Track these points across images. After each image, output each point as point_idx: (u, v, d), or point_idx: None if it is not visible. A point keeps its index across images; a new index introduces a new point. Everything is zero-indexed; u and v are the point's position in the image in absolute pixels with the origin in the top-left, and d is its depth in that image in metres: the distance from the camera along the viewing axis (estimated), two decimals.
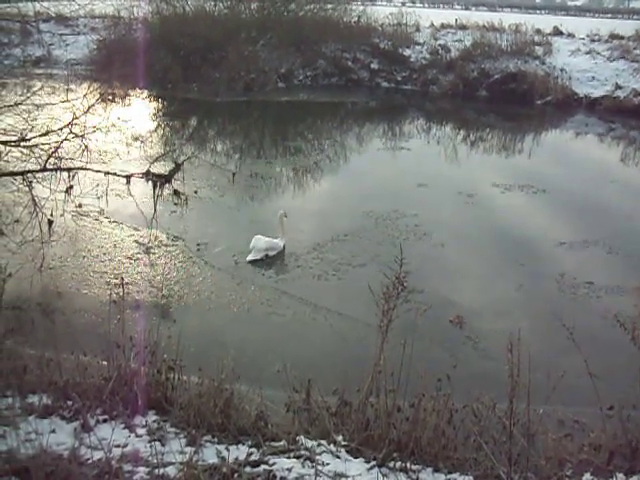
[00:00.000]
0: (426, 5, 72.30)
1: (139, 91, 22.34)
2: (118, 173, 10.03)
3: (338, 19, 28.26)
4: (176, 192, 10.25)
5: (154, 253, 9.89)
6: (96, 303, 8.06)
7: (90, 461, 3.91)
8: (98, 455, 3.93)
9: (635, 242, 11.09)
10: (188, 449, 4.11)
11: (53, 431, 4.26)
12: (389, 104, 25.32)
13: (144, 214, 9.99)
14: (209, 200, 12.17)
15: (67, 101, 9.41)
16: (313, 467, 3.97)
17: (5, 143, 8.93)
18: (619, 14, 71.12)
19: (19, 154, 9.05)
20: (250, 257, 9.77)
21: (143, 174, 10.12)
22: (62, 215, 10.19)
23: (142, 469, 3.92)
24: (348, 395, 4.75)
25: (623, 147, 19.59)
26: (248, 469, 3.96)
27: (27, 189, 9.00)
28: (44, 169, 9.10)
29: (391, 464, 4.11)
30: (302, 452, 4.18)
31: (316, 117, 22.64)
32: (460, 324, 8.09)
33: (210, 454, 4.15)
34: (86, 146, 9.49)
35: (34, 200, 8.96)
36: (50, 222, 9.67)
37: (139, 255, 9.78)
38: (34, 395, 4.75)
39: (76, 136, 9.18)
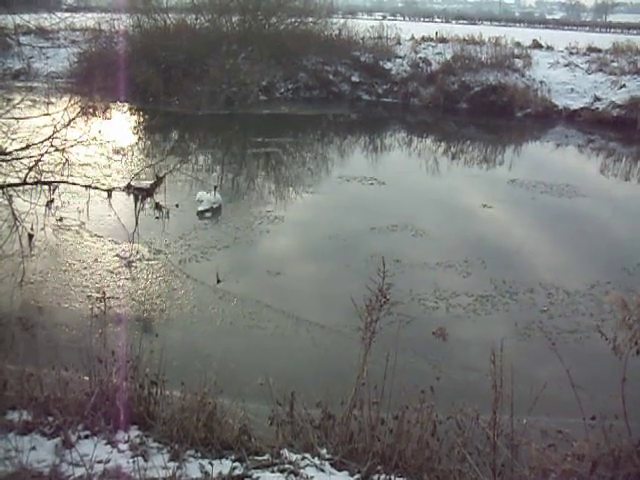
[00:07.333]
0: (406, 18, 72.99)
1: (120, 104, 22.32)
2: (99, 187, 9.96)
3: (319, 32, 28.41)
4: (157, 205, 10.20)
5: (136, 267, 9.83)
6: (77, 317, 7.99)
7: (71, 478, 3.87)
8: (80, 472, 3.88)
9: (616, 251, 11.25)
10: (171, 464, 4.08)
11: (33, 448, 4.20)
12: (370, 117, 25.43)
13: (125, 228, 9.92)
14: (191, 213, 12.12)
15: (48, 114, 9.34)
16: None
17: None
18: (597, 27, 72.25)
19: None
20: (200, 207, 12.12)
21: (124, 188, 10.06)
22: (43, 229, 10.10)
23: None
24: (332, 408, 4.73)
25: (603, 158, 19.77)
26: None
27: (7, 203, 8.91)
28: (24, 183, 9.02)
29: (375, 477, 4.10)
30: (286, 466, 4.15)
31: (297, 130, 22.67)
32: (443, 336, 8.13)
33: (193, 469, 4.11)
34: (67, 160, 9.42)
35: (14, 214, 8.87)
36: (30, 236, 9.59)
37: (121, 269, 9.72)
38: (14, 411, 4.68)
39: (57, 150, 9.11)
